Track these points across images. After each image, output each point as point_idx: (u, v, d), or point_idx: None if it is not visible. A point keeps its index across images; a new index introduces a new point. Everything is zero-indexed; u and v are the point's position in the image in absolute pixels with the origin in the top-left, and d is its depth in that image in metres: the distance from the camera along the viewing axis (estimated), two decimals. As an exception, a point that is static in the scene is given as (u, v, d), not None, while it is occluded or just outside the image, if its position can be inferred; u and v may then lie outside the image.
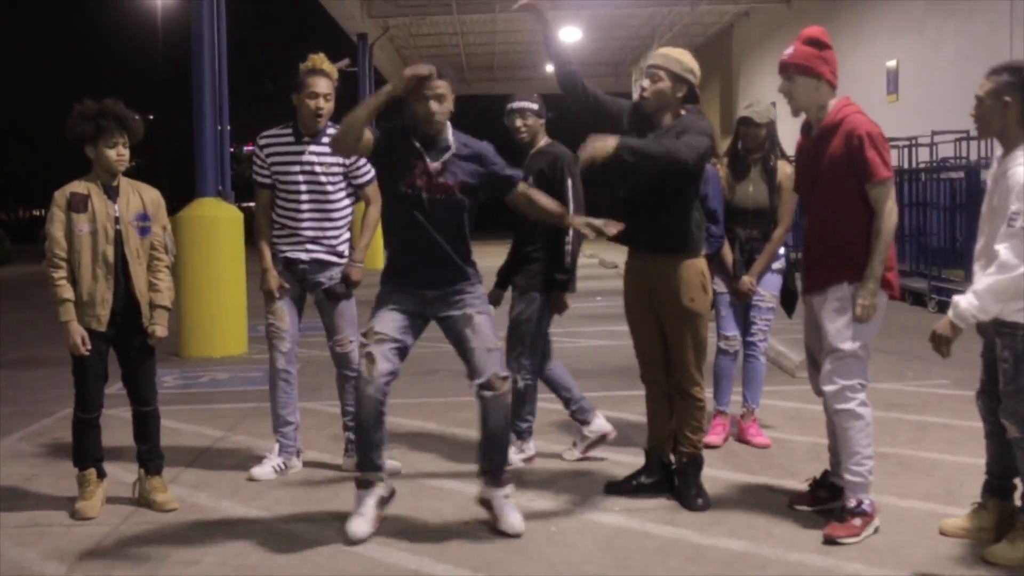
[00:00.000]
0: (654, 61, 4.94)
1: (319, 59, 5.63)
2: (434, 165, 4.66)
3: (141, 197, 5.11)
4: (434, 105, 4.60)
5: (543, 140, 5.73)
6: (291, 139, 5.58)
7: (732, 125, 6.14)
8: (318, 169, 5.53)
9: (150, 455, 5.19)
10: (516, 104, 5.73)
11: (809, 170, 4.68)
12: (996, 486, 4.44)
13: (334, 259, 5.63)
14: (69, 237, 4.93)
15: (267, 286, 5.56)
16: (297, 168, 5.53)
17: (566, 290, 5.63)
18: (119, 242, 4.99)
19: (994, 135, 4.30)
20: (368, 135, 4.62)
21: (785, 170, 5.95)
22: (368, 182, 5.66)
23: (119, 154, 4.99)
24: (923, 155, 14.52)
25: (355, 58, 23.76)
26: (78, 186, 5.01)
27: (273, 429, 5.73)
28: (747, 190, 5.98)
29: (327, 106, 5.54)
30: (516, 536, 4.58)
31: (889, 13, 17.67)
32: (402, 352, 4.72)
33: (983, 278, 4.09)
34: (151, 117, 47.98)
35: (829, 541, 4.44)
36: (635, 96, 21.25)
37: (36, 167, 51.94)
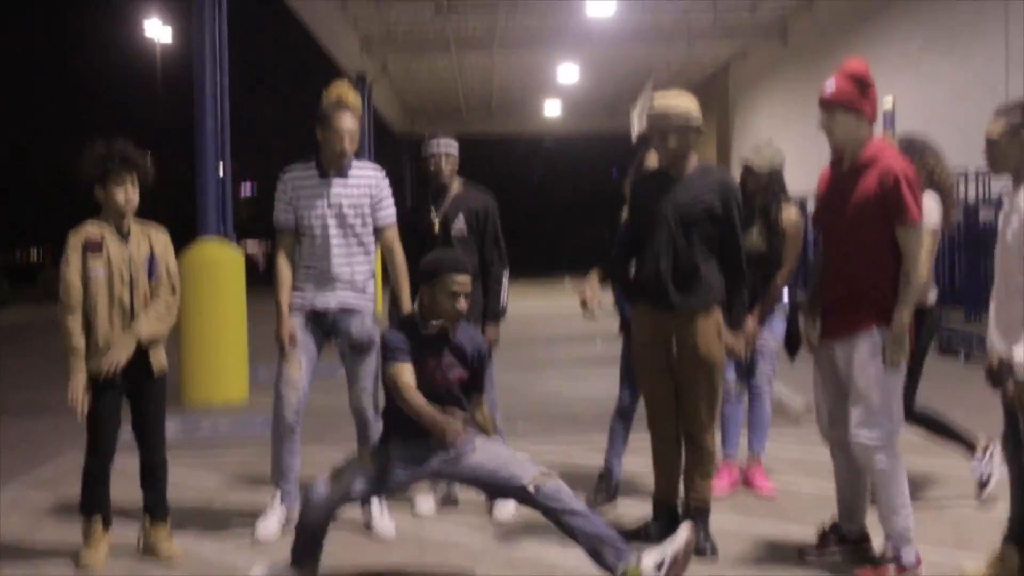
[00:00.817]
0: (662, 112, 4.90)
1: (344, 89, 5.54)
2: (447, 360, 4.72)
3: (150, 239, 5.07)
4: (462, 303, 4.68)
5: (456, 181, 5.87)
6: (316, 175, 5.49)
7: (728, 163, 6.16)
8: (345, 203, 5.46)
9: (156, 504, 5.15)
10: (443, 149, 5.78)
11: (836, 203, 4.63)
12: (1019, 532, 4.39)
13: (363, 303, 5.53)
14: (84, 281, 4.88)
15: (282, 334, 5.39)
16: (325, 204, 5.44)
17: (498, 324, 5.87)
18: (132, 285, 4.95)
19: (1008, 172, 4.31)
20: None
21: (790, 215, 5.94)
22: (390, 224, 5.59)
23: (127, 196, 4.95)
24: (921, 193, 14.57)
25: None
26: (91, 228, 4.96)
27: (274, 481, 5.56)
28: (750, 236, 5.86)
29: (353, 143, 5.46)
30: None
31: (885, 51, 17.78)
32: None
33: None
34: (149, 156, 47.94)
35: None
36: (634, 136, 21.25)
37: (33, 209, 51.95)
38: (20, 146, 53.39)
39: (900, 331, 4.39)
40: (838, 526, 4.86)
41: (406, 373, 4.56)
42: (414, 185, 35.60)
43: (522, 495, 4.47)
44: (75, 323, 4.87)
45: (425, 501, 5.80)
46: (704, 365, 4.89)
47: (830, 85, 4.61)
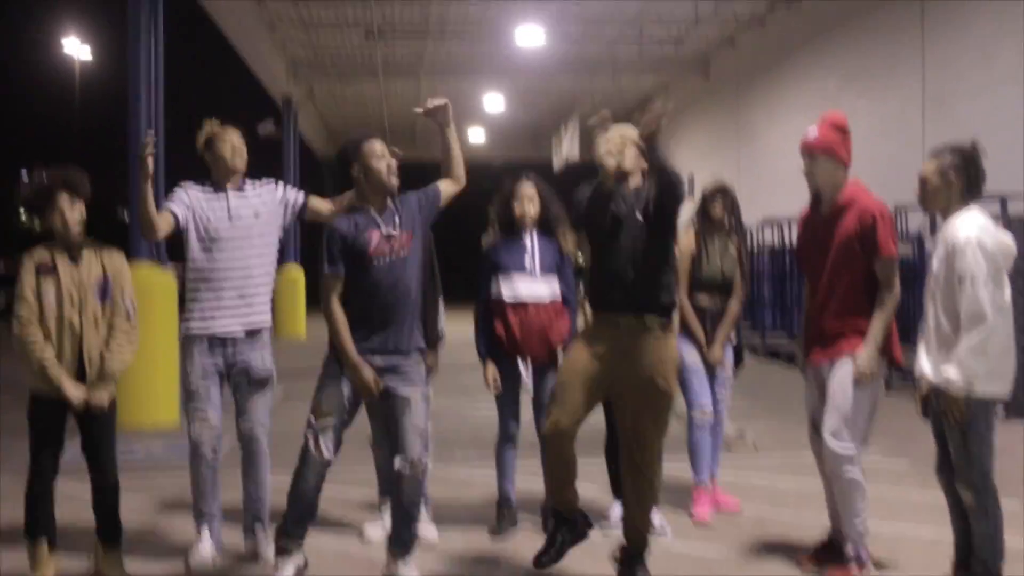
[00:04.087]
0: (610, 147, 4.88)
1: (217, 123, 5.49)
2: (389, 229, 4.91)
3: (102, 262, 5.07)
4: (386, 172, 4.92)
5: None
6: (212, 191, 5.39)
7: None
8: (245, 212, 5.36)
9: (108, 527, 5.15)
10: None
11: (818, 243, 5.00)
12: (963, 557, 4.61)
13: (261, 324, 5.41)
14: (37, 302, 4.90)
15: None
16: (227, 216, 5.33)
17: (437, 351, 5.91)
18: (82, 308, 4.96)
19: (938, 210, 4.62)
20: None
21: (737, 244, 6.25)
22: (302, 197, 5.55)
23: (62, 219, 4.97)
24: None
25: (279, 120, 23.79)
26: (43, 252, 5.00)
27: (201, 521, 5.43)
28: (716, 262, 6.15)
29: (243, 155, 5.43)
30: None
31: (804, 88, 18.30)
32: (345, 427, 4.93)
33: (959, 344, 4.32)
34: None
35: None
36: (556, 165, 21.56)
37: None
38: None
39: (872, 348, 4.77)
40: (833, 535, 5.18)
41: (335, 289, 4.86)
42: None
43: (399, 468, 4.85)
44: (38, 334, 4.88)
45: (373, 528, 5.85)
46: (659, 397, 4.79)
47: (813, 132, 4.95)
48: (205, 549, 5.35)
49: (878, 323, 4.79)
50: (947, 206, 4.55)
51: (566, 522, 4.98)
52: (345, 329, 4.83)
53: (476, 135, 33.97)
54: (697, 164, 24.78)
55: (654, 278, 4.77)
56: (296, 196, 5.57)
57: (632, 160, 4.85)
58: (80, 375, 4.99)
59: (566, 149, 26.09)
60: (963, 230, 4.40)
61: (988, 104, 12.42)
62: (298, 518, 4.84)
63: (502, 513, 5.95)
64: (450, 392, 11.12)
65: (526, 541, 5.69)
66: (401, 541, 4.94)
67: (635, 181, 4.89)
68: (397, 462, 4.86)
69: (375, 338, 4.86)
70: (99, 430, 5.11)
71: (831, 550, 5.14)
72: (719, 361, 6.18)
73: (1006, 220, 10.18)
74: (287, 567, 4.78)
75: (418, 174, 6.12)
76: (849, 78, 16.59)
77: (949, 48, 13.63)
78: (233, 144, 5.42)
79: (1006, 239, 4.49)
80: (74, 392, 4.88)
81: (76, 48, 41.50)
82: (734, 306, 6.21)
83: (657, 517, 5.75)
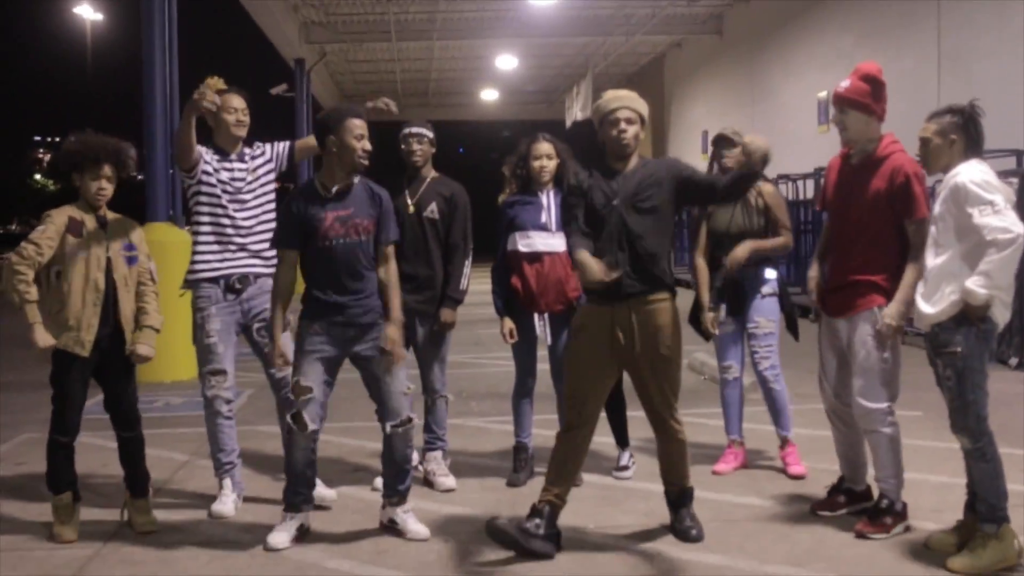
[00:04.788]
0: (627, 104, 4.84)
1: (218, 80, 5.53)
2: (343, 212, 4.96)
3: (126, 229, 5.20)
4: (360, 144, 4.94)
5: (432, 171, 6.02)
6: (217, 156, 5.51)
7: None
8: (249, 178, 5.53)
9: (135, 479, 5.27)
10: (414, 129, 5.96)
11: (844, 193, 4.98)
12: (972, 501, 4.65)
13: (268, 273, 5.51)
14: (61, 259, 4.98)
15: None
16: (231, 178, 5.48)
17: (455, 308, 6.00)
18: (109, 269, 5.05)
19: (940, 170, 4.62)
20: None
21: (767, 189, 6.02)
22: (291, 149, 5.72)
23: (100, 188, 5.06)
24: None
25: (292, 83, 23.78)
26: (73, 211, 5.07)
27: (222, 472, 5.57)
28: (729, 214, 5.95)
29: (245, 119, 5.52)
30: (424, 540, 4.95)
31: (819, 46, 18.19)
32: (327, 395, 5.05)
33: (985, 259, 4.31)
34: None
35: (860, 536, 4.85)
36: (568, 123, 21.31)
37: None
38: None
39: (903, 306, 4.74)
40: (845, 484, 5.25)
41: (284, 261, 4.99)
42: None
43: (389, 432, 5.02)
44: (29, 272, 4.92)
45: (447, 478, 5.96)
46: (664, 363, 4.81)
47: (844, 84, 4.90)
48: (227, 499, 5.51)
49: (909, 281, 4.73)
50: (948, 165, 4.57)
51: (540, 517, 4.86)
52: (280, 305, 4.99)
53: (489, 95, 33.95)
54: (712, 122, 24.71)
55: (644, 259, 4.76)
56: (282, 147, 5.72)
57: (635, 139, 4.88)
58: (113, 335, 5.10)
59: (578, 108, 26.02)
60: (965, 173, 4.44)
61: (1004, 62, 12.35)
62: (295, 487, 5.02)
63: (519, 463, 6.05)
64: (466, 346, 11.25)
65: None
66: (397, 492, 5.10)
67: (631, 163, 4.88)
68: (387, 428, 5.02)
69: (337, 309, 4.95)
70: (120, 386, 5.22)
71: (841, 494, 5.23)
72: (734, 259, 5.83)
73: (1021, 175, 10.19)
74: (289, 526, 4.97)
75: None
76: (864, 36, 16.49)
77: (965, 6, 13.53)
78: (238, 115, 5.49)
79: (1006, 186, 4.52)
80: (41, 337, 4.93)
81: (87, 10, 41.47)
82: (777, 239, 5.95)
83: (626, 455, 6.09)
